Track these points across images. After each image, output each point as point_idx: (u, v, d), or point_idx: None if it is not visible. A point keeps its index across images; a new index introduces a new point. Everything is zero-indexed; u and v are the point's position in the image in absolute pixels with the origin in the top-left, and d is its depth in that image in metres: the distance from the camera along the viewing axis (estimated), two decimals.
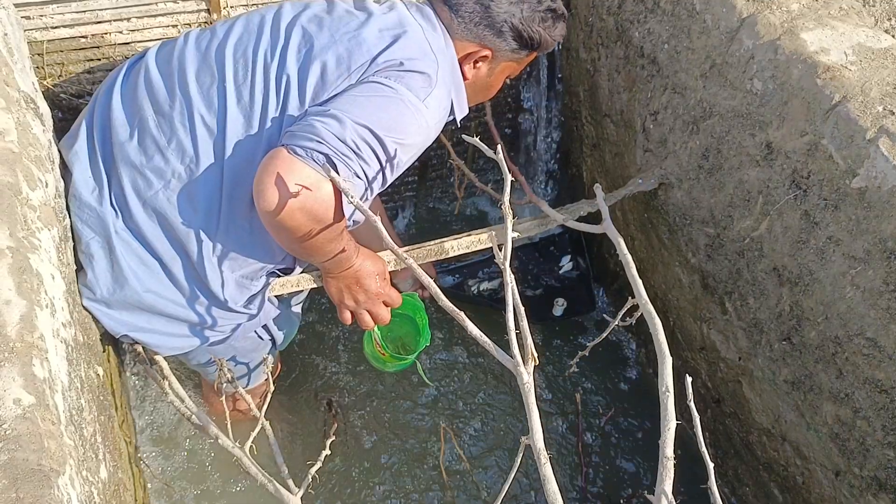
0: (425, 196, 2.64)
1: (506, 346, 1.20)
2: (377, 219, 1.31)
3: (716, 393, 1.97)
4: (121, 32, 1.88)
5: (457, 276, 2.43)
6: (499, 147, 1.39)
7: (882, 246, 1.33)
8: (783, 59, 1.48)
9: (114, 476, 1.44)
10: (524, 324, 1.20)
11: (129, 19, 1.87)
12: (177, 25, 1.91)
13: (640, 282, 1.42)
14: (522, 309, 1.21)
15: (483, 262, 2.44)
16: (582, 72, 2.22)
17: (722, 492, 1.76)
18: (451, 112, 1.57)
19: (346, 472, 2.13)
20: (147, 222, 1.50)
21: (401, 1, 1.59)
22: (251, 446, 1.52)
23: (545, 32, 1.58)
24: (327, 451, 1.50)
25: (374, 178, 1.43)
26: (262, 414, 1.58)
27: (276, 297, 1.69)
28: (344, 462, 2.14)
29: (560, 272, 2.45)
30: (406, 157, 1.47)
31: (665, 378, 1.16)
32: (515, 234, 1.74)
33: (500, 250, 1.27)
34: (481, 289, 2.41)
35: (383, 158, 1.42)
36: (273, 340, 1.80)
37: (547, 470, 1.06)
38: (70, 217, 1.54)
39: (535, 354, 1.17)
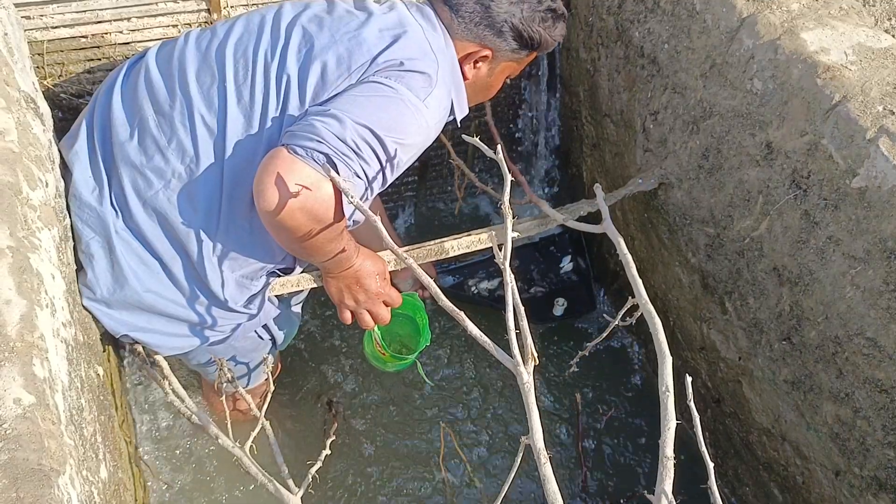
0: (425, 196, 2.64)
1: (506, 346, 1.20)
2: (377, 219, 1.31)
3: (716, 393, 1.97)
4: (121, 32, 1.88)
5: (457, 276, 2.43)
6: (499, 147, 1.39)
7: (882, 246, 1.33)
8: (783, 58, 1.48)
9: (114, 476, 1.44)
10: (524, 324, 1.20)
11: (129, 19, 1.87)
12: (177, 25, 1.91)
13: (640, 282, 1.42)
14: (522, 309, 1.21)
15: (483, 262, 2.44)
16: (582, 72, 2.22)
17: (722, 492, 1.75)
18: (452, 112, 1.58)
19: (346, 472, 2.13)
20: (147, 222, 1.51)
21: (401, 1, 1.59)
22: (251, 446, 1.52)
23: (545, 32, 1.58)
24: (327, 451, 1.50)
25: (375, 177, 1.43)
26: (262, 414, 1.58)
27: (276, 296, 1.69)
28: (344, 462, 2.14)
29: (560, 272, 2.45)
30: (406, 157, 1.47)
31: (665, 378, 1.16)
32: (515, 234, 1.74)
33: (500, 250, 1.27)
34: (481, 289, 2.41)
35: (383, 158, 1.42)
36: (273, 340, 1.80)
37: (547, 470, 1.06)
38: (70, 217, 1.54)
39: (536, 354, 1.17)
